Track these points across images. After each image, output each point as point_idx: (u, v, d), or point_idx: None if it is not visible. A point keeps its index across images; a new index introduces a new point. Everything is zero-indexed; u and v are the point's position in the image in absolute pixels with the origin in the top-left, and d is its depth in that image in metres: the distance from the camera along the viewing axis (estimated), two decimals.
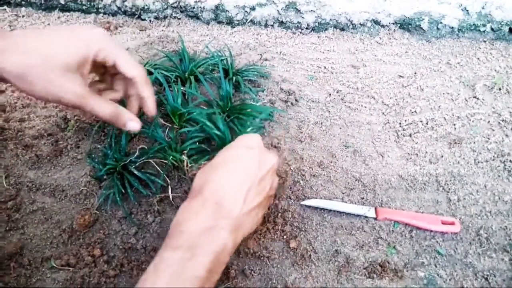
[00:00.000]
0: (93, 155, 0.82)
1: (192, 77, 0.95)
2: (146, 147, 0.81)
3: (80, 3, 1.20)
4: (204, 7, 1.19)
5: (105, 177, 0.78)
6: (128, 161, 0.76)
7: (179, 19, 1.22)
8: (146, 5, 1.19)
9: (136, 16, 1.22)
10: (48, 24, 1.16)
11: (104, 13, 1.22)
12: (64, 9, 1.22)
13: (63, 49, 0.58)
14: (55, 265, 0.68)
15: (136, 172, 0.76)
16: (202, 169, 0.61)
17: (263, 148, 0.65)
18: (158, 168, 0.79)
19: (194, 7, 1.19)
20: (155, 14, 1.22)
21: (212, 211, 0.55)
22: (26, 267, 0.68)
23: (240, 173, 0.59)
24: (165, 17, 1.22)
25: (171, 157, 0.77)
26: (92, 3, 1.20)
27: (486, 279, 0.68)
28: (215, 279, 0.53)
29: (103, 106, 0.62)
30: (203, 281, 0.49)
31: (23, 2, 1.21)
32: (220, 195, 0.56)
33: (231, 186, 0.58)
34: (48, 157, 0.82)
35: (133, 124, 0.66)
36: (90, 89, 0.61)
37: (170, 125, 0.88)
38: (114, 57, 0.63)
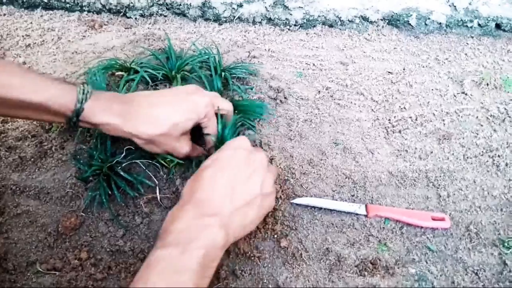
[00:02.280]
0: (78, 156, 0.80)
1: (179, 76, 0.94)
2: (133, 147, 0.79)
3: (63, 1, 1.17)
4: (190, 4, 1.17)
5: (91, 178, 0.76)
6: (114, 162, 0.75)
7: (165, 16, 1.21)
8: (132, 3, 1.17)
9: (121, 13, 1.20)
10: (31, 22, 1.14)
11: (89, 11, 1.20)
12: (47, 7, 1.19)
13: (183, 117, 0.69)
14: (40, 270, 0.66)
15: (122, 173, 0.74)
16: (192, 177, 0.62)
17: (251, 148, 0.66)
18: (145, 169, 0.78)
19: (180, 4, 1.17)
20: (141, 12, 1.20)
21: (199, 212, 0.56)
22: (11, 272, 0.66)
23: (227, 173, 0.60)
24: (151, 15, 1.20)
25: (159, 157, 0.76)
26: (75, 1, 1.17)
27: (476, 274, 0.68)
28: (208, 274, 0.53)
29: (197, 153, 0.77)
30: (196, 276, 0.50)
31: (4, 0, 1.18)
32: (206, 195, 0.58)
33: (216, 185, 0.59)
34: (32, 159, 0.80)
35: None
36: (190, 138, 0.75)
37: None
38: (208, 124, 0.74)
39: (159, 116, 0.67)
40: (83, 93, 0.63)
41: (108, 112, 0.65)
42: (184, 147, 0.73)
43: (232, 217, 0.58)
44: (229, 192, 0.58)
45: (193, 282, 0.49)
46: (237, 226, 0.59)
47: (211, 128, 0.75)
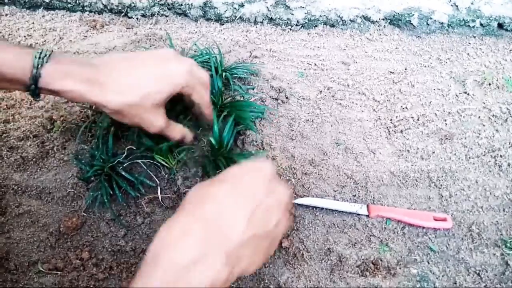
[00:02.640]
0: (80, 156, 0.80)
1: None
2: (134, 147, 0.79)
3: (65, 1, 1.17)
4: (192, 4, 1.17)
5: (92, 178, 0.76)
6: (115, 162, 0.75)
7: (166, 16, 1.21)
8: (133, 3, 1.17)
9: (123, 14, 1.20)
10: (33, 23, 1.14)
11: (90, 11, 1.20)
12: (49, 7, 1.19)
13: (156, 88, 0.62)
14: (42, 269, 0.66)
15: (124, 173, 0.74)
16: (200, 183, 0.53)
17: (276, 177, 0.55)
18: (146, 169, 0.78)
19: (182, 4, 1.17)
20: (142, 12, 1.20)
21: (203, 236, 0.45)
22: (13, 272, 0.66)
23: (246, 194, 0.50)
24: (152, 15, 1.20)
25: (159, 157, 0.76)
26: (77, 1, 1.17)
27: (478, 274, 0.68)
28: None
29: (175, 131, 0.70)
30: None
31: (6, 0, 1.18)
32: (216, 215, 0.47)
33: (232, 206, 0.48)
34: (34, 159, 0.80)
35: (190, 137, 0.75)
36: (165, 112, 0.68)
37: None
38: (192, 92, 0.68)
39: (129, 84, 0.61)
40: (39, 57, 0.57)
41: (70, 77, 0.58)
42: (157, 120, 0.65)
43: (242, 249, 0.46)
44: (245, 219, 0.47)
45: None
46: (244, 261, 0.48)
47: (200, 98, 0.69)
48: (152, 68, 0.63)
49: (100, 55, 1.05)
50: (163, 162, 0.77)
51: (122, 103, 0.60)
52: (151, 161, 0.78)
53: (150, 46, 1.08)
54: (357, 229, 0.74)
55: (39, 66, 0.57)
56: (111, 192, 0.73)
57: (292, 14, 1.17)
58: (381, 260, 0.69)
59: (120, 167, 0.75)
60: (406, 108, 0.95)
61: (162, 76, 0.63)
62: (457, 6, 1.16)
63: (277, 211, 0.51)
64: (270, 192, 0.51)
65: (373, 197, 0.78)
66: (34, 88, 0.58)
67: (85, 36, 1.11)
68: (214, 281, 0.43)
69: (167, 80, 0.64)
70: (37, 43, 1.07)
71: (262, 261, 0.52)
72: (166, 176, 0.78)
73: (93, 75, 0.59)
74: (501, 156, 0.85)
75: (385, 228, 0.74)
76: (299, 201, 0.76)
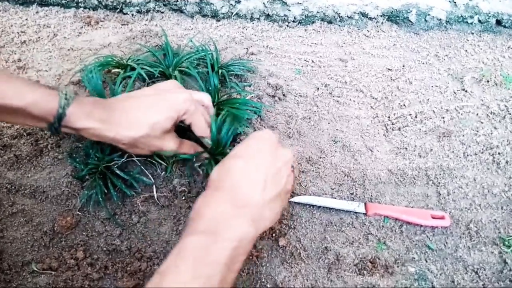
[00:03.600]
0: (74, 155, 0.79)
1: (176, 72, 0.92)
2: None
3: None
4: (188, 0, 1.16)
5: (87, 177, 0.75)
6: (110, 160, 0.74)
7: (162, 12, 1.19)
8: None
9: (118, 10, 1.18)
10: (26, 19, 1.12)
11: (85, 7, 1.18)
12: (43, 3, 1.17)
13: (161, 116, 0.68)
14: (36, 269, 0.65)
15: (119, 171, 0.73)
16: (221, 161, 0.62)
17: (278, 142, 0.66)
18: (142, 167, 0.77)
19: (177, 0, 1.16)
20: (138, 8, 1.18)
21: (231, 201, 0.55)
22: (6, 272, 0.65)
23: (258, 164, 0.59)
24: (147, 11, 1.19)
25: (155, 155, 0.75)
26: None
27: (476, 272, 0.68)
28: (237, 267, 0.53)
29: (187, 148, 0.76)
30: (225, 268, 0.50)
31: None
32: (238, 185, 0.57)
33: (249, 176, 0.58)
34: (28, 157, 0.79)
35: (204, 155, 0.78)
36: (176, 135, 0.75)
37: None
38: (191, 120, 0.73)
39: (138, 119, 0.68)
40: (65, 98, 0.63)
41: (90, 117, 0.65)
42: (169, 144, 0.72)
43: (263, 209, 0.57)
44: (261, 185, 0.58)
45: (221, 275, 0.49)
46: (265, 219, 0.58)
47: (197, 125, 0.74)
48: (155, 100, 0.70)
49: (96, 52, 1.03)
50: (159, 161, 0.77)
51: (134, 136, 0.67)
52: (146, 158, 0.77)
53: (146, 42, 1.07)
54: (354, 227, 0.73)
55: (65, 106, 0.63)
56: (106, 191, 0.72)
57: (289, 10, 1.16)
58: (378, 259, 0.69)
59: (115, 166, 0.74)
60: (404, 105, 0.95)
61: (165, 105, 0.70)
62: (455, 2, 1.16)
63: (284, 171, 0.62)
64: (276, 156, 0.62)
65: (371, 195, 0.78)
66: (57, 126, 0.64)
67: (79, 33, 1.10)
68: (242, 239, 0.52)
69: (170, 108, 0.70)
70: (30, 39, 1.06)
71: (279, 215, 0.62)
72: (162, 174, 0.78)
73: (108, 115, 0.66)
74: (499, 153, 0.85)
75: (382, 226, 0.73)
76: (296, 199, 0.75)
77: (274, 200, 0.59)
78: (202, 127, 0.75)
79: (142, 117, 0.68)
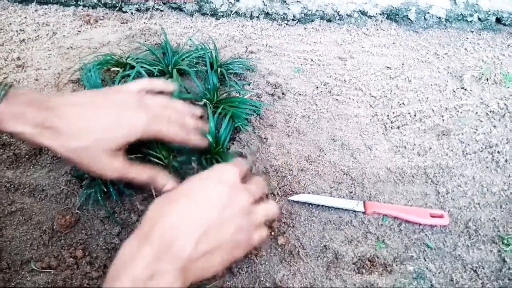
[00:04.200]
0: None
1: (175, 71, 0.92)
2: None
3: None
4: None
5: (86, 175, 0.75)
6: None
7: (161, 11, 1.19)
8: None
9: (117, 8, 1.18)
10: (25, 17, 1.12)
11: (84, 6, 1.18)
12: (42, 1, 1.17)
13: (111, 134, 0.61)
14: (35, 268, 0.65)
15: None
16: (158, 198, 0.55)
17: (238, 185, 0.58)
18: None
19: None
20: (137, 6, 1.18)
21: (156, 254, 0.48)
22: (5, 271, 0.65)
23: (201, 210, 0.53)
24: (147, 9, 1.19)
25: (154, 153, 0.75)
26: None
27: (475, 271, 0.68)
28: None
29: (140, 173, 0.66)
30: None
31: None
32: (171, 234, 0.50)
33: (186, 224, 0.51)
34: (27, 156, 0.80)
35: (170, 184, 0.67)
36: (124, 157, 0.65)
37: None
38: (162, 136, 0.67)
39: (80, 129, 0.60)
40: None
41: (21, 120, 0.57)
42: (111, 165, 0.63)
43: (195, 263, 0.50)
44: (199, 236, 0.50)
45: None
46: (197, 273, 0.51)
47: (170, 138, 0.68)
48: (105, 115, 0.62)
49: (95, 50, 1.03)
50: (157, 160, 0.77)
51: (72, 147, 0.59)
52: (144, 155, 0.77)
53: (145, 41, 1.06)
54: (353, 226, 0.73)
55: None
56: (105, 190, 0.72)
57: (289, 8, 1.16)
58: (377, 257, 0.69)
59: None
60: (403, 103, 0.95)
61: (115, 125, 0.62)
62: (454, 0, 1.16)
63: (234, 221, 0.54)
64: (230, 204, 0.54)
65: (370, 194, 0.78)
66: None
67: (79, 31, 1.10)
68: None
69: (121, 129, 0.62)
70: (29, 38, 1.05)
71: (223, 266, 0.54)
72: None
73: (46, 119, 0.58)
74: (498, 152, 0.85)
75: (381, 224, 0.73)
76: (295, 197, 0.75)
77: (212, 253, 0.52)
78: (176, 137, 0.69)
79: (85, 129, 0.60)
